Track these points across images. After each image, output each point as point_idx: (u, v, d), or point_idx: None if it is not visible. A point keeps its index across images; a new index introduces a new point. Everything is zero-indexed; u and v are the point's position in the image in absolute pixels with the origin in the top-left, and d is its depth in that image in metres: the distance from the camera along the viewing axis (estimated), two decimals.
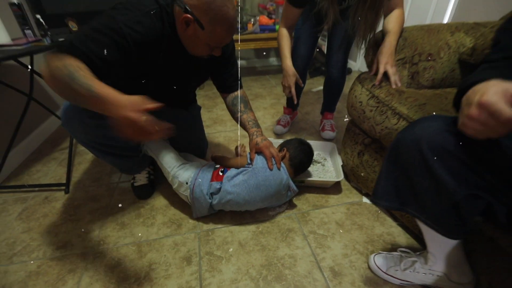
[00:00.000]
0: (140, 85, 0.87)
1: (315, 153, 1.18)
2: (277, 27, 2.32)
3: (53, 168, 1.39)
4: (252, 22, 2.41)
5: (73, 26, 1.77)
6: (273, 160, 0.96)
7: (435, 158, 0.53)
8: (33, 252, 0.94)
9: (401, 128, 0.82)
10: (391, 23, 1.01)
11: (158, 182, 1.24)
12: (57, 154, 1.51)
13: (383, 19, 1.06)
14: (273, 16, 2.51)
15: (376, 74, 0.96)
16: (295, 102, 1.31)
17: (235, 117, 1.08)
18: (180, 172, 0.99)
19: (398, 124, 0.83)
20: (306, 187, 1.17)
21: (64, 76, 0.61)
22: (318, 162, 1.28)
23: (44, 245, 0.97)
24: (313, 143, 1.21)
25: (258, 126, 1.05)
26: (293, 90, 1.21)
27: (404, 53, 0.99)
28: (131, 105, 0.59)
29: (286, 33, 1.25)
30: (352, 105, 1.02)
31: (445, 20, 1.68)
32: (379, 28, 1.06)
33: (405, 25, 1.04)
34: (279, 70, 2.42)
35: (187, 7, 0.72)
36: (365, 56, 1.10)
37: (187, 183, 0.97)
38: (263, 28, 2.35)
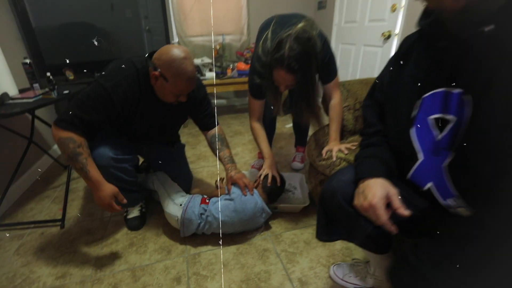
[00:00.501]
0: (129, 128, 1.14)
1: (286, 183, 1.40)
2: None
3: (46, 205, 1.49)
4: (231, 68, 2.74)
5: (69, 74, 1.99)
6: (246, 188, 1.19)
7: (348, 205, 0.72)
8: (33, 283, 1.04)
9: (342, 166, 1.07)
10: (333, 113, 1.24)
11: (148, 215, 1.38)
12: (49, 192, 1.61)
13: (326, 99, 1.31)
14: (249, 62, 2.86)
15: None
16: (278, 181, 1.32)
17: (214, 153, 1.31)
18: (177, 196, 1.21)
19: (340, 165, 1.08)
20: (279, 213, 1.36)
21: (70, 153, 0.95)
22: (289, 191, 1.49)
23: (43, 277, 1.06)
24: (286, 174, 1.43)
25: (233, 161, 1.28)
26: (274, 173, 1.30)
27: (348, 102, 1.28)
28: (106, 197, 0.99)
29: (259, 126, 1.39)
30: (308, 152, 1.28)
31: None
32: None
33: (358, 77, 1.35)
34: None
35: (156, 66, 0.98)
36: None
37: (181, 205, 1.16)
38: (241, 73, 2.68)
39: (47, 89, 1.40)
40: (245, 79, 2.62)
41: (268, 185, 1.26)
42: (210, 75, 2.62)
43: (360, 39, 2.38)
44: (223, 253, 1.15)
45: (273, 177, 1.28)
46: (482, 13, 0.45)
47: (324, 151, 1.18)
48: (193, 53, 2.90)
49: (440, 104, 0.56)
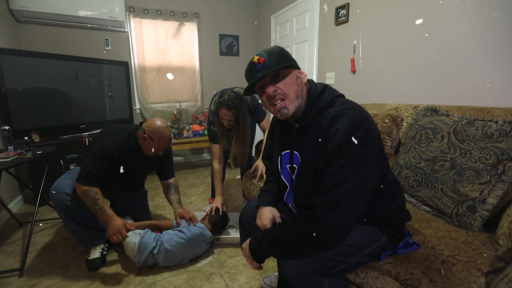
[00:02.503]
0: (118, 176, 1.47)
1: (233, 221, 1.74)
2: (206, 132, 3.11)
3: (3, 259, 1.56)
4: (187, 129, 3.17)
5: (35, 137, 2.20)
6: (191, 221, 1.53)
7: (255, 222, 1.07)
8: None
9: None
10: (264, 135, 1.82)
11: (108, 254, 1.55)
12: (5, 248, 1.67)
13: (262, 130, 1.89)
14: (203, 124, 3.34)
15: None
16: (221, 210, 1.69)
17: (166, 196, 1.68)
18: (136, 231, 1.45)
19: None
20: (224, 245, 1.65)
21: (91, 199, 1.34)
22: (234, 227, 1.80)
23: None
24: (232, 214, 1.78)
25: (180, 203, 1.64)
26: (220, 207, 1.67)
27: None
28: (118, 226, 1.35)
29: (219, 168, 1.82)
30: (244, 190, 1.68)
31: None
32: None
33: None
34: (210, 163, 3.09)
35: (145, 131, 1.41)
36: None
37: (139, 233, 1.41)
38: (196, 133, 3.12)
39: (21, 150, 1.62)
40: (200, 138, 3.07)
41: (213, 213, 1.61)
42: None
43: None
44: (176, 280, 1.37)
45: (217, 210, 1.64)
46: (295, 117, 0.91)
47: (253, 167, 1.71)
48: (152, 117, 3.30)
49: (289, 159, 0.97)
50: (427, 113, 1.34)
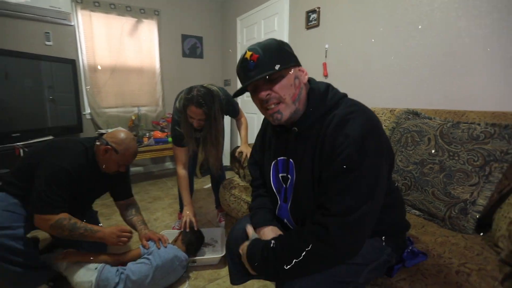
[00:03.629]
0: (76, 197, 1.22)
1: (208, 237, 1.55)
2: (169, 139, 2.84)
3: None
4: (147, 136, 2.87)
5: None
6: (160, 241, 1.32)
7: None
8: None
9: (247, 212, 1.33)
10: (240, 124, 1.78)
11: None
12: None
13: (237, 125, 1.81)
14: (166, 130, 3.06)
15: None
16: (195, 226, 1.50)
17: (126, 220, 1.43)
18: (89, 267, 1.18)
19: (246, 211, 1.34)
20: (201, 267, 1.45)
21: (68, 227, 1.11)
22: (210, 245, 1.61)
23: None
24: (206, 230, 1.58)
25: (145, 223, 1.42)
26: (193, 219, 1.48)
27: None
28: (113, 233, 1.19)
29: (184, 174, 1.59)
30: (222, 202, 1.52)
31: None
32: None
33: None
34: (173, 172, 2.83)
35: (108, 142, 1.19)
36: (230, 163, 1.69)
37: (96, 268, 1.15)
38: (157, 141, 2.83)
39: None
40: (162, 146, 2.79)
41: (187, 229, 1.40)
42: None
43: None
44: None
45: (192, 227, 1.44)
46: (291, 121, 0.79)
47: (237, 152, 1.56)
48: (106, 123, 2.92)
49: (284, 167, 0.85)
50: (409, 116, 1.35)
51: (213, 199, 2.10)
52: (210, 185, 2.29)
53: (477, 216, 1.00)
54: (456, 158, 1.07)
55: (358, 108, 0.74)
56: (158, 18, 3.13)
